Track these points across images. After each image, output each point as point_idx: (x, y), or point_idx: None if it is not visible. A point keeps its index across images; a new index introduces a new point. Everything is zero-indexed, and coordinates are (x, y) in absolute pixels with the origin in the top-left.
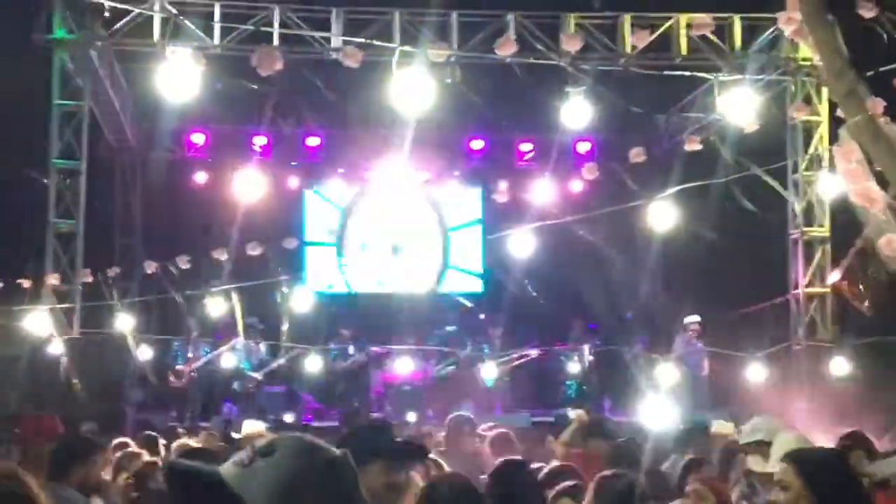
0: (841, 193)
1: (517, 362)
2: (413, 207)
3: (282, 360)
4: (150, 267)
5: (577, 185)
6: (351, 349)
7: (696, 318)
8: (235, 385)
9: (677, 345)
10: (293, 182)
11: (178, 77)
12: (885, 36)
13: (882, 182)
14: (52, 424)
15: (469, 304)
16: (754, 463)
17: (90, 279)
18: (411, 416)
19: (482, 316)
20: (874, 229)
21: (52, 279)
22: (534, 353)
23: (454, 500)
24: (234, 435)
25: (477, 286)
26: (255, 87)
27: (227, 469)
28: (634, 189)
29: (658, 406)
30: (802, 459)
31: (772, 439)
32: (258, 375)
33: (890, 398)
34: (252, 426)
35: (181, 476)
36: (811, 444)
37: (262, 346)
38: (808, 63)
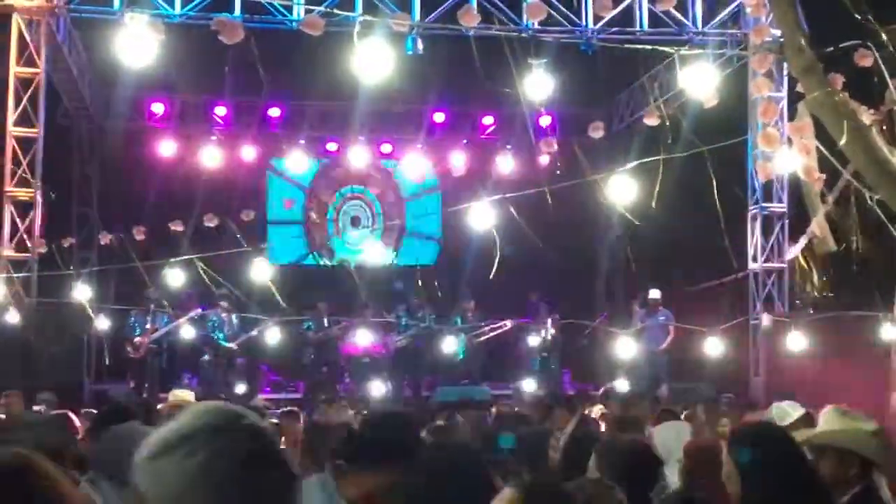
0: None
1: (491, 335)
2: (373, 178)
3: (254, 333)
4: (105, 238)
5: (539, 159)
6: (326, 322)
7: (657, 292)
8: (207, 356)
9: (637, 319)
10: (251, 153)
11: (137, 44)
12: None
13: (842, 159)
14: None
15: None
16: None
17: (43, 249)
18: (376, 388)
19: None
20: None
21: (8, 249)
22: (509, 324)
23: None
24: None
25: (431, 258)
26: (216, 56)
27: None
28: (593, 165)
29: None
30: (736, 437)
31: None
32: (234, 346)
33: (845, 372)
34: (180, 394)
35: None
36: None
37: (234, 317)
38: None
